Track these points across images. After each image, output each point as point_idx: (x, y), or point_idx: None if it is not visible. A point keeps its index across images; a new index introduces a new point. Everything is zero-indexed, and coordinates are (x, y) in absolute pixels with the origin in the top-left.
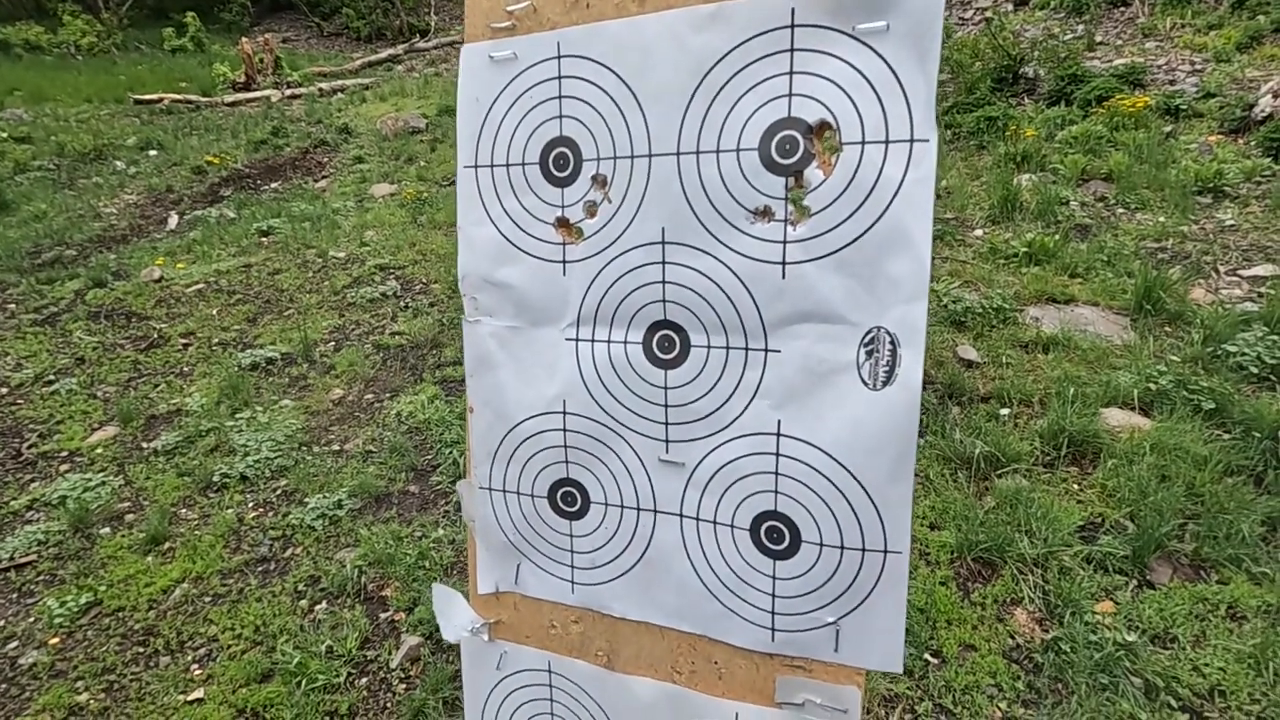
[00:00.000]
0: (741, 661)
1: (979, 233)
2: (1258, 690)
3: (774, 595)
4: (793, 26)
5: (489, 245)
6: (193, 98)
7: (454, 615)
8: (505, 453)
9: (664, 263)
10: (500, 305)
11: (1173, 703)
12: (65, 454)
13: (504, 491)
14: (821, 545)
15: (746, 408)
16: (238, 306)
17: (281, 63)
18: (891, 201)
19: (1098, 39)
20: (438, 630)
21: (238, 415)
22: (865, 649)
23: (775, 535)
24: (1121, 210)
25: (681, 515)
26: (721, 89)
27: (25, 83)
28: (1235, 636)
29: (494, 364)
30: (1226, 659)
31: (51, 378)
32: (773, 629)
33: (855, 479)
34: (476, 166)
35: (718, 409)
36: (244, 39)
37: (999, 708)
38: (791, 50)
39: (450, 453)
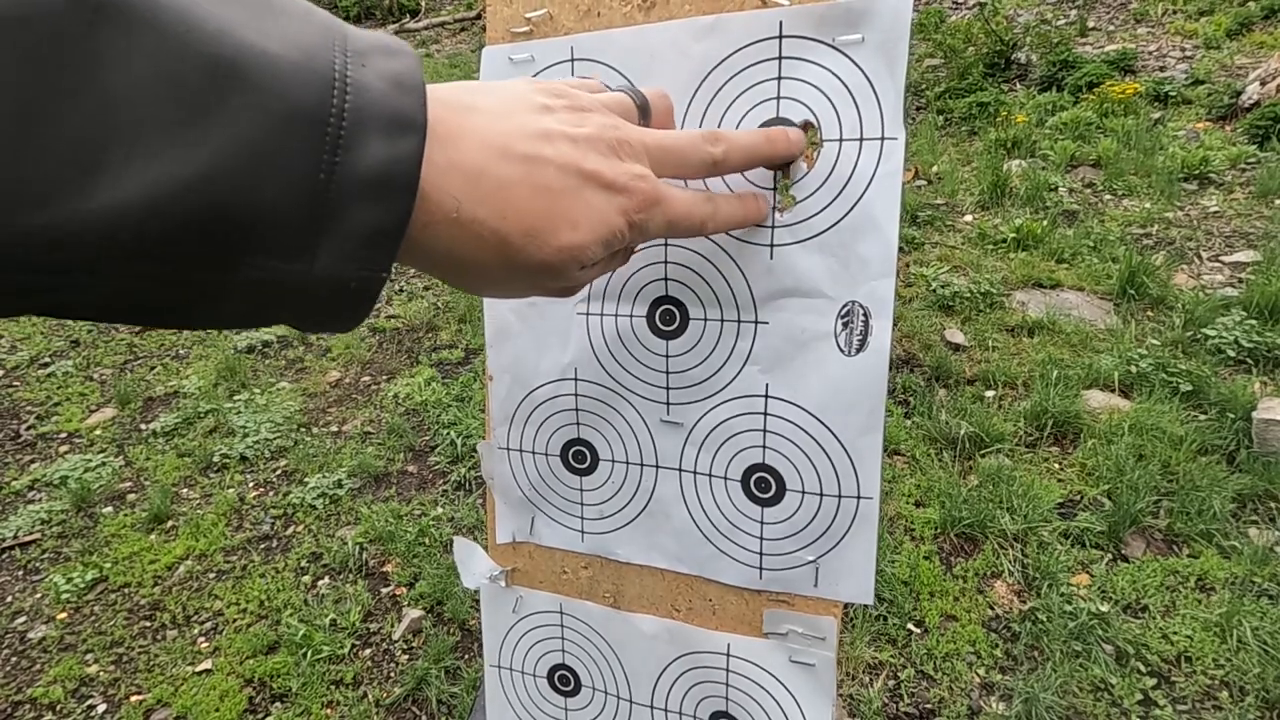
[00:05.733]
0: (733, 598)
1: (969, 218)
2: (1222, 656)
3: (762, 538)
4: (781, 37)
5: None
6: None
7: (474, 564)
8: (522, 416)
9: (666, 244)
10: None
11: (1141, 668)
12: (64, 435)
13: (520, 451)
14: (804, 493)
15: (739, 373)
16: None
17: None
18: (865, 192)
19: (1090, 24)
20: (439, 604)
21: (235, 397)
22: (841, 583)
23: (763, 485)
24: (1109, 196)
25: (680, 470)
26: (718, 91)
27: None
28: (1203, 606)
29: (513, 335)
30: (1194, 627)
31: (47, 360)
32: (760, 568)
33: (833, 433)
34: None
35: (713, 374)
36: None
37: (978, 674)
38: (780, 58)
39: (447, 434)
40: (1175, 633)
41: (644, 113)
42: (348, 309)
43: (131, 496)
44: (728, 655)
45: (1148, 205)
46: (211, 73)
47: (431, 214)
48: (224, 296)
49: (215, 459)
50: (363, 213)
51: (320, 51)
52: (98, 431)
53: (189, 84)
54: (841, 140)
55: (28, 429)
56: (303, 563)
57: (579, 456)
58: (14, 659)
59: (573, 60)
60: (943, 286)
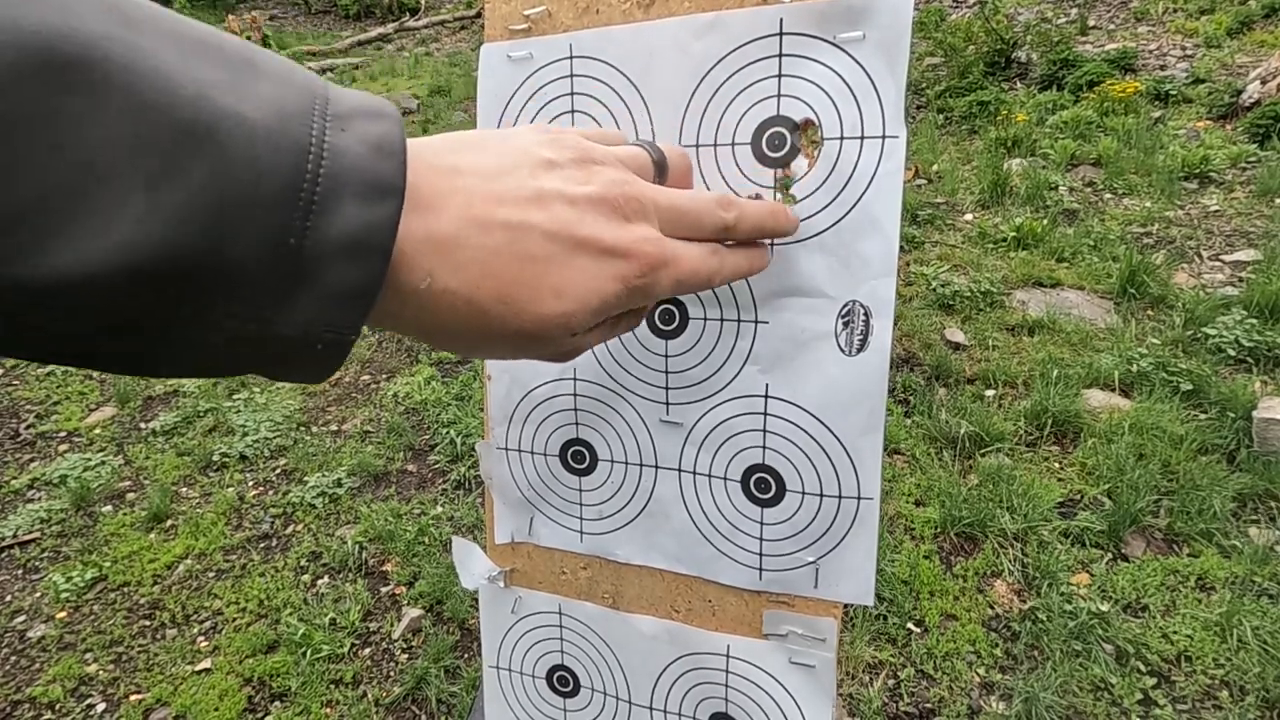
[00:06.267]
0: (732, 599)
1: (969, 217)
2: (1222, 655)
3: (761, 539)
4: (781, 34)
5: None
6: None
7: (472, 565)
8: (521, 416)
9: None
10: None
11: (1141, 667)
12: (64, 434)
13: (519, 451)
14: (804, 493)
15: (738, 373)
16: None
17: (270, 41)
18: (865, 190)
19: (1090, 23)
20: (438, 603)
21: (235, 396)
22: (841, 584)
23: (763, 485)
24: (1109, 195)
25: (680, 470)
26: (718, 89)
27: None
28: (1203, 606)
29: None
30: (1194, 627)
31: None
32: (760, 569)
33: (833, 434)
34: None
35: (713, 374)
36: (230, 16)
37: (978, 673)
38: (780, 56)
39: (447, 433)
40: (1175, 632)
41: (660, 170)
42: (315, 366)
43: (131, 495)
44: (727, 656)
45: (1148, 204)
46: (184, 136)
47: (401, 285)
48: (187, 351)
49: (215, 458)
50: (334, 276)
51: (298, 115)
52: (97, 430)
53: (159, 148)
54: (842, 138)
55: (27, 428)
56: (302, 562)
57: (578, 456)
58: (13, 658)
59: (571, 58)
60: (943, 285)
